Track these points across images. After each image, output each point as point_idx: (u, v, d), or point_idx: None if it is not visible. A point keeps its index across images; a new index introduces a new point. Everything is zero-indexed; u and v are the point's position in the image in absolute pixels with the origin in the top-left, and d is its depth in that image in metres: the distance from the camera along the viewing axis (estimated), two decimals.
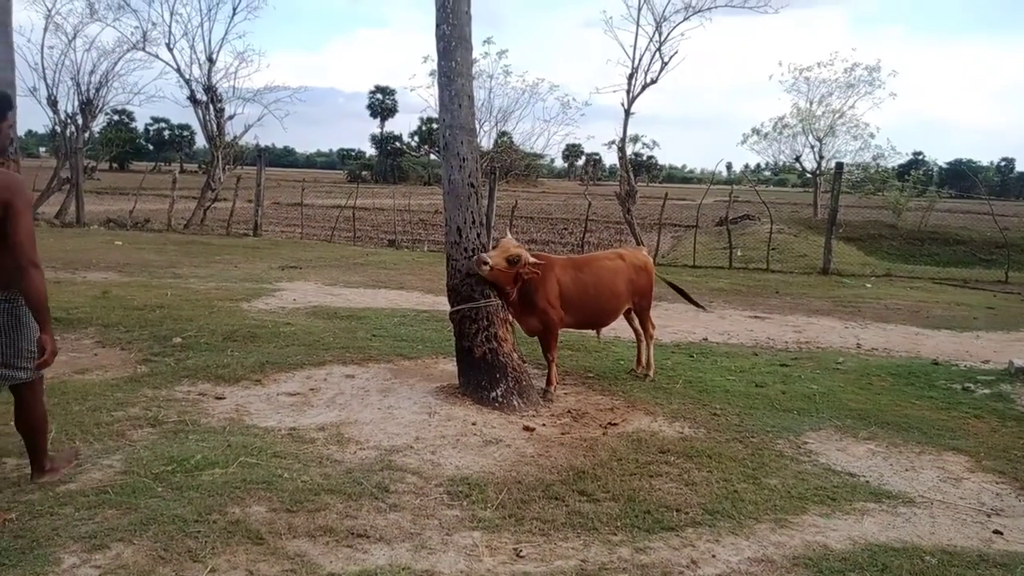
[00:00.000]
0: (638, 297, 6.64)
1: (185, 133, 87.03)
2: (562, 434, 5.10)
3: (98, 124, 23.77)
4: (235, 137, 22.22)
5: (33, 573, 2.95)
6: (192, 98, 21.28)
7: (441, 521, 3.68)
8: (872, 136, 29.59)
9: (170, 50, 20.96)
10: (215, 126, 21.45)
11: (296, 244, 18.94)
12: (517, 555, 3.38)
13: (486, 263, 5.59)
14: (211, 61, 21.24)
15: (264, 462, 4.19)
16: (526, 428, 5.17)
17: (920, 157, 56.04)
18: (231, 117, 21.85)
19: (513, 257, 5.68)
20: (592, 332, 7.06)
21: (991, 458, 4.94)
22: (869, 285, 14.63)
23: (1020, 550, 3.66)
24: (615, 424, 5.33)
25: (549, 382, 6.05)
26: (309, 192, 27.33)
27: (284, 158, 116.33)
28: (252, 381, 5.98)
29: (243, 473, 3.98)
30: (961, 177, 50.28)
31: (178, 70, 21.13)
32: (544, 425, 5.28)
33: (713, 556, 3.44)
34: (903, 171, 33.69)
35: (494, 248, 5.87)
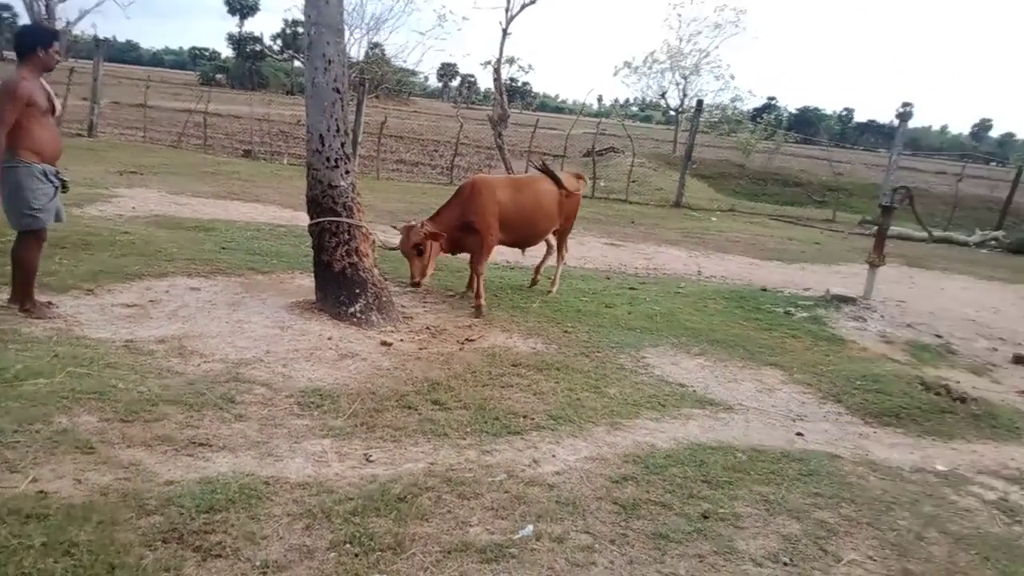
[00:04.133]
0: (564, 219, 6.94)
1: (5, 15, 75.83)
2: (419, 349, 5.17)
3: None
4: (68, 23, 19.70)
5: None
6: None
7: (290, 430, 3.66)
8: (732, 77, 31.17)
9: None
10: (43, 7, 18.89)
11: (138, 148, 17.36)
12: (367, 459, 3.45)
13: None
14: None
15: (96, 372, 3.94)
16: (383, 343, 5.18)
17: (773, 102, 59.68)
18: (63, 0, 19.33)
19: (419, 245, 5.83)
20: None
21: (802, 372, 5.56)
22: (714, 219, 15.65)
23: (815, 448, 4.20)
24: (472, 340, 5.46)
25: (478, 295, 6.20)
26: (154, 93, 24.90)
27: (127, 53, 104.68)
28: (83, 291, 5.53)
29: (72, 383, 3.73)
30: (807, 124, 54.20)
31: None
32: (402, 340, 5.32)
33: (553, 456, 3.68)
34: (757, 114, 35.77)
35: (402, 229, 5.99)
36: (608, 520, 3.12)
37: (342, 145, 5.64)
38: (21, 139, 4.53)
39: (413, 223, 5.98)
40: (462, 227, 6.15)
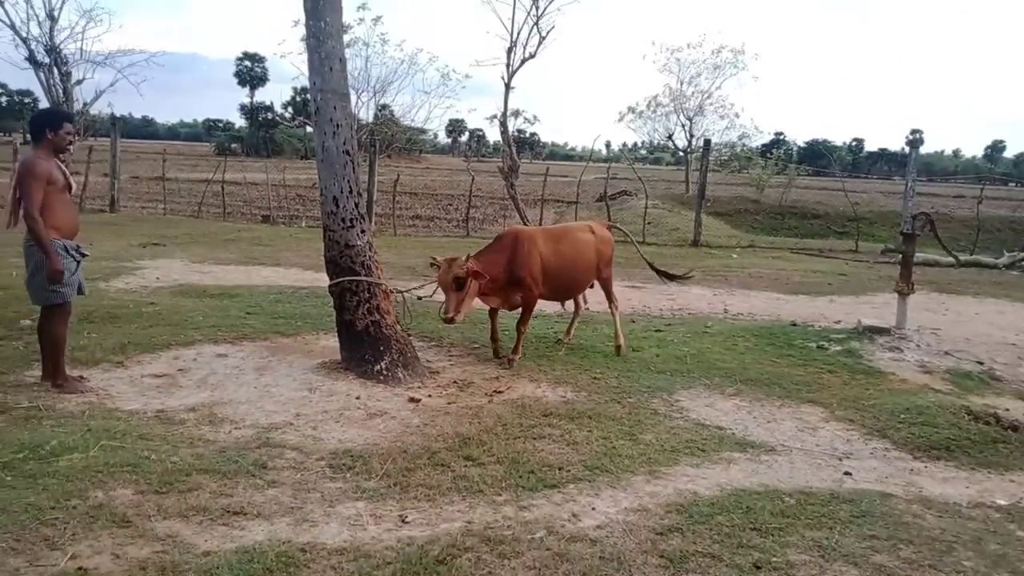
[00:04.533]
0: (604, 267, 6.83)
1: (27, 100, 78.73)
2: (448, 403, 5.11)
3: None
4: (85, 104, 20.34)
5: None
6: (32, 59, 19.20)
7: (323, 494, 3.59)
8: (737, 116, 31.28)
9: (1, 4, 18.84)
10: (61, 91, 19.50)
11: (159, 220, 17.74)
12: (402, 521, 3.36)
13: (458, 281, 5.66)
14: (52, 19, 19.20)
15: (129, 445, 3.92)
16: (411, 400, 5.13)
17: (781, 137, 59.80)
18: (79, 82, 19.93)
19: (459, 279, 5.66)
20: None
21: (842, 408, 5.41)
22: (735, 256, 15.57)
23: (866, 487, 4.04)
24: (500, 392, 5.39)
25: (516, 351, 6.09)
26: (172, 165, 25.58)
27: (143, 128, 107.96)
28: (113, 363, 5.57)
29: (106, 456, 3.71)
30: (818, 156, 54.22)
31: (12, 27, 18.97)
32: (430, 396, 5.26)
33: (593, 509, 3.57)
34: (766, 150, 35.85)
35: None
36: (655, 575, 3.00)
37: (356, 205, 5.71)
38: (44, 217, 4.65)
39: (457, 257, 5.78)
40: (507, 279, 6.00)
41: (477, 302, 6.08)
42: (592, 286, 7.08)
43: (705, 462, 4.26)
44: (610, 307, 6.96)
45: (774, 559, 3.15)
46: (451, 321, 5.74)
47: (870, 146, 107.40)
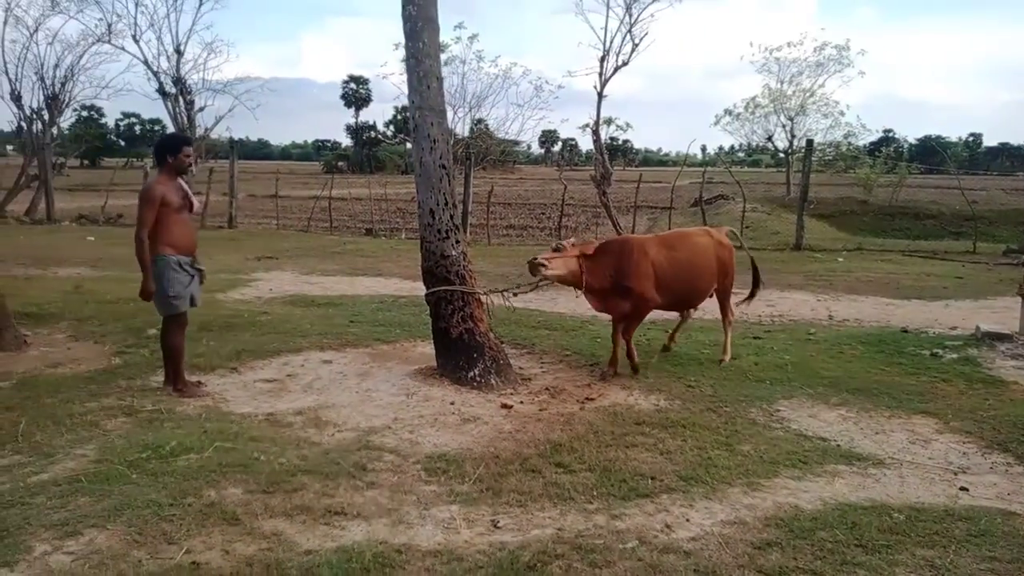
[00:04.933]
0: (723, 275, 6.48)
1: (156, 128, 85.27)
2: (540, 410, 5.14)
3: (66, 119, 23.36)
4: (206, 129, 21.91)
5: (3, 562, 2.92)
6: (161, 90, 20.92)
7: (419, 496, 3.70)
8: (842, 114, 29.77)
9: (136, 42, 20.58)
10: (185, 118, 21.12)
11: (272, 235, 18.78)
12: (494, 526, 3.41)
13: (543, 265, 5.62)
14: (179, 53, 20.91)
15: (240, 446, 4.18)
16: (504, 406, 5.20)
17: (890, 135, 56.47)
18: (201, 109, 21.55)
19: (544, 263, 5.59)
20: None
21: (959, 419, 5.05)
22: (841, 259, 14.83)
23: (985, 504, 3.76)
24: (592, 399, 5.38)
25: (613, 362, 5.95)
26: (284, 184, 27.01)
27: (259, 151, 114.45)
28: (228, 369, 5.95)
29: (219, 457, 3.97)
30: (931, 153, 50.89)
31: (145, 62, 20.76)
32: (522, 402, 5.32)
33: (687, 520, 3.50)
34: (874, 148, 34.00)
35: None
36: None
37: (451, 217, 5.85)
38: (160, 235, 5.07)
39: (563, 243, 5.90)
40: (613, 286, 5.86)
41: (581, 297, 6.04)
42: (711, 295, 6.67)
43: (807, 475, 4.08)
44: (723, 320, 6.64)
45: None
46: (535, 265, 5.60)
47: (989, 141, 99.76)
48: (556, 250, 5.80)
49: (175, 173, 5.26)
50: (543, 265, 5.63)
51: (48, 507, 3.37)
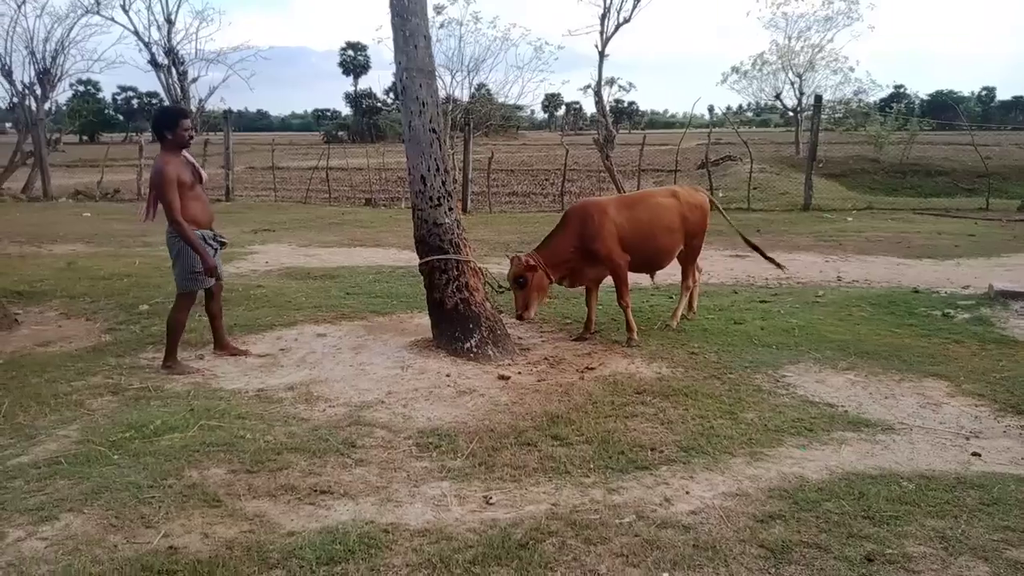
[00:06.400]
0: (690, 236, 6.28)
1: (154, 101, 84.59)
2: (538, 381, 5.00)
3: (61, 94, 23.09)
4: (201, 101, 21.59)
5: None
6: (153, 62, 20.59)
7: (409, 473, 3.58)
8: (852, 70, 29.17)
9: (126, 12, 20.19)
10: (179, 90, 20.82)
11: (270, 207, 18.58)
12: (487, 502, 3.29)
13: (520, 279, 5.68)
14: (170, 22, 20.54)
15: (227, 424, 4.06)
16: (501, 377, 5.06)
17: (902, 90, 55.46)
18: (195, 80, 21.21)
19: (520, 277, 5.65)
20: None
21: (971, 382, 4.89)
22: (850, 219, 14.54)
23: (998, 470, 3.61)
24: (592, 368, 5.23)
25: (630, 328, 5.85)
26: (284, 155, 26.78)
27: (258, 122, 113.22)
28: None
29: (203, 436, 3.85)
30: (943, 108, 49.89)
31: (136, 33, 20.41)
32: (520, 373, 5.18)
33: (687, 493, 3.36)
34: (885, 104, 33.34)
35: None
36: (755, 566, 2.78)
37: (443, 184, 5.64)
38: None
39: (517, 255, 5.83)
40: (582, 256, 5.82)
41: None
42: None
43: (813, 443, 3.93)
44: (683, 283, 6.43)
45: (889, 551, 2.84)
46: (521, 319, 5.80)
47: (1002, 94, 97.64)
48: (512, 262, 5.76)
49: (178, 148, 5.13)
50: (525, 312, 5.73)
51: (25, 491, 3.27)
